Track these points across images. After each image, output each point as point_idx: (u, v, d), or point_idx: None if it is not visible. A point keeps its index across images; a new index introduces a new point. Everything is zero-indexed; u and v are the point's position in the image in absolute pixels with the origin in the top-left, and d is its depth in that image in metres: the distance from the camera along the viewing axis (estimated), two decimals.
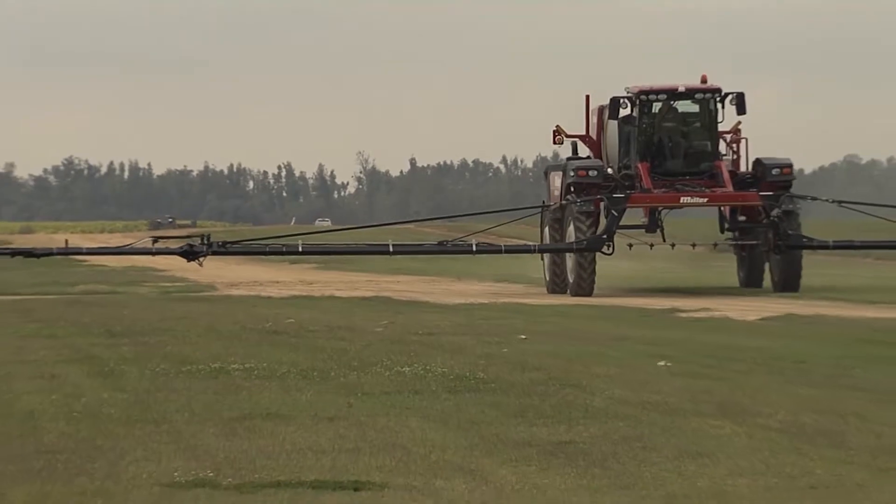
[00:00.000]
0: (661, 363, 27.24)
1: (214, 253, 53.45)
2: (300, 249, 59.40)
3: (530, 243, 56.15)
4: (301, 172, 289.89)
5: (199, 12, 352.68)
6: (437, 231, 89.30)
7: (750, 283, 52.82)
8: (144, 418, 20.66)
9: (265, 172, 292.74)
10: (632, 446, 18.03)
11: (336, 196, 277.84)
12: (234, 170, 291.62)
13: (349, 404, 21.70)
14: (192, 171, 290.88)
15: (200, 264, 53.60)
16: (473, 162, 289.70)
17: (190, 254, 51.96)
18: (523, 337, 32.29)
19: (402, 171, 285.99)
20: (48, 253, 60.47)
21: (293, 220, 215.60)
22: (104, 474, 16.33)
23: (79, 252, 66.85)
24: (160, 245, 56.61)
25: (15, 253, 60.86)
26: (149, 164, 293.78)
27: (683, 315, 40.86)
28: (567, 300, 47.78)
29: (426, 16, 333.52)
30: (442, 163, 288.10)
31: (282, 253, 61.14)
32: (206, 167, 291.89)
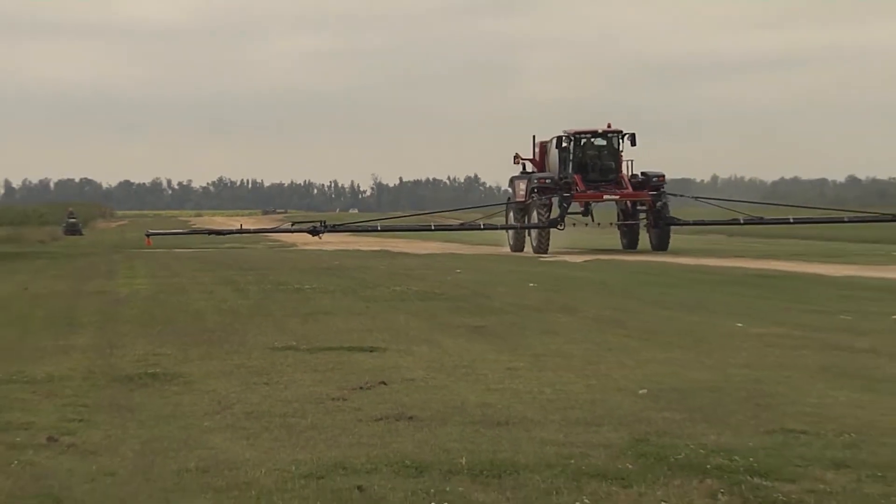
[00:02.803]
0: (531, 284, 27.14)
1: (328, 231, 49.20)
2: (379, 228, 54.91)
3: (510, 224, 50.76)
4: (341, 184, 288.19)
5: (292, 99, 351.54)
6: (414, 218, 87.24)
7: (629, 247, 48.87)
8: (259, 313, 20.71)
9: (322, 184, 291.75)
10: (515, 328, 18.15)
11: (360, 198, 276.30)
12: (306, 183, 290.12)
13: (367, 307, 21.66)
14: (283, 183, 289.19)
15: (320, 238, 49.66)
16: (433, 178, 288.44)
17: (314, 231, 48.51)
18: (459, 271, 32.17)
19: (394, 184, 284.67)
20: (230, 232, 56.38)
21: (337, 210, 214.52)
22: (238, 343, 16.46)
23: (248, 231, 58.54)
24: (297, 226, 52.33)
25: (210, 232, 57.25)
26: (262, 180, 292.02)
27: (543, 259, 40.88)
28: (483, 251, 47.30)
29: (410, 93, 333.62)
30: (416, 179, 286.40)
31: (367, 230, 56.64)
32: (292, 181, 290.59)
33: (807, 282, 28.27)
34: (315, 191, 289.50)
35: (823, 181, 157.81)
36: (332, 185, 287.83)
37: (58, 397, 12.12)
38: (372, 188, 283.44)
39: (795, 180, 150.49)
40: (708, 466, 8.56)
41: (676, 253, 43.93)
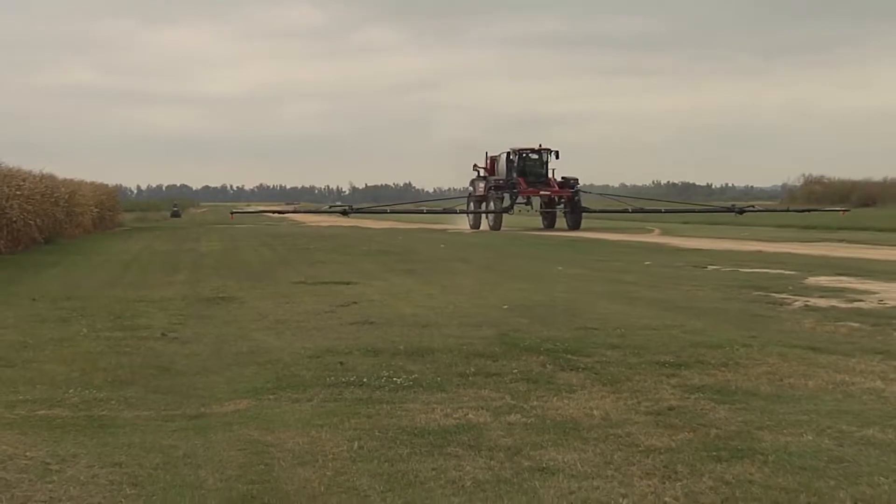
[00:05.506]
0: (442, 245, 26.90)
1: (354, 213, 43.74)
2: (388, 210, 47.03)
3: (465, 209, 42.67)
4: (331, 187, 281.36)
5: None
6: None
7: (549, 227, 42.41)
8: (283, 262, 20.30)
9: (320, 187, 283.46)
10: (432, 270, 17.84)
11: (341, 195, 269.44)
12: (311, 186, 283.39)
13: (346, 258, 21.29)
14: (298, 186, 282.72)
15: (348, 217, 43.84)
16: (384, 184, 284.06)
17: (344, 213, 43.73)
18: (401, 238, 32.00)
19: (363, 187, 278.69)
20: (287, 212, 50.32)
21: (328, 205, 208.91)
22: (271, 279, 16.11)
23: (297, 212, 51.97)
24: (333, 208, 47.57)
25: (274, 212, 50.03)
26: (285, 184, 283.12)
27: (450, 231, 40.45)
28: (416, 227, 45.12)
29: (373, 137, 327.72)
30: (375, 184, 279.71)
31: (379, 212, 47.40)
32: (303, 185, 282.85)
33: (597, 243, 28.45)
34: (316, 191, 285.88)
35: (606, 186, 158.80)
36: (326, 187, 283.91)
37: (167, 310, 11.94)
38: (349, 189, 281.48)
39: (590, 185, 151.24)
40: (541, 349, 8.60)
41: (542, 229, 41.61)
